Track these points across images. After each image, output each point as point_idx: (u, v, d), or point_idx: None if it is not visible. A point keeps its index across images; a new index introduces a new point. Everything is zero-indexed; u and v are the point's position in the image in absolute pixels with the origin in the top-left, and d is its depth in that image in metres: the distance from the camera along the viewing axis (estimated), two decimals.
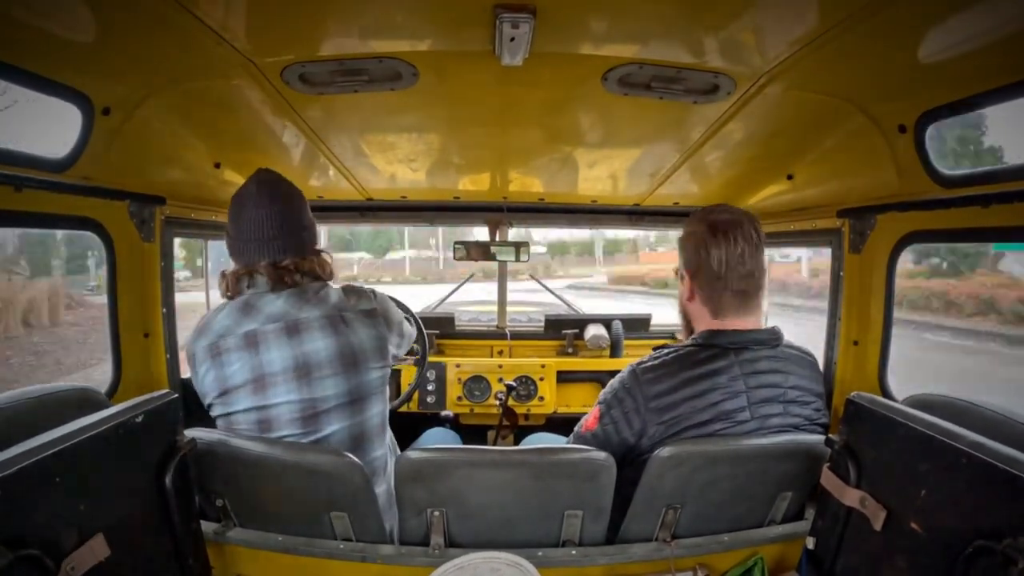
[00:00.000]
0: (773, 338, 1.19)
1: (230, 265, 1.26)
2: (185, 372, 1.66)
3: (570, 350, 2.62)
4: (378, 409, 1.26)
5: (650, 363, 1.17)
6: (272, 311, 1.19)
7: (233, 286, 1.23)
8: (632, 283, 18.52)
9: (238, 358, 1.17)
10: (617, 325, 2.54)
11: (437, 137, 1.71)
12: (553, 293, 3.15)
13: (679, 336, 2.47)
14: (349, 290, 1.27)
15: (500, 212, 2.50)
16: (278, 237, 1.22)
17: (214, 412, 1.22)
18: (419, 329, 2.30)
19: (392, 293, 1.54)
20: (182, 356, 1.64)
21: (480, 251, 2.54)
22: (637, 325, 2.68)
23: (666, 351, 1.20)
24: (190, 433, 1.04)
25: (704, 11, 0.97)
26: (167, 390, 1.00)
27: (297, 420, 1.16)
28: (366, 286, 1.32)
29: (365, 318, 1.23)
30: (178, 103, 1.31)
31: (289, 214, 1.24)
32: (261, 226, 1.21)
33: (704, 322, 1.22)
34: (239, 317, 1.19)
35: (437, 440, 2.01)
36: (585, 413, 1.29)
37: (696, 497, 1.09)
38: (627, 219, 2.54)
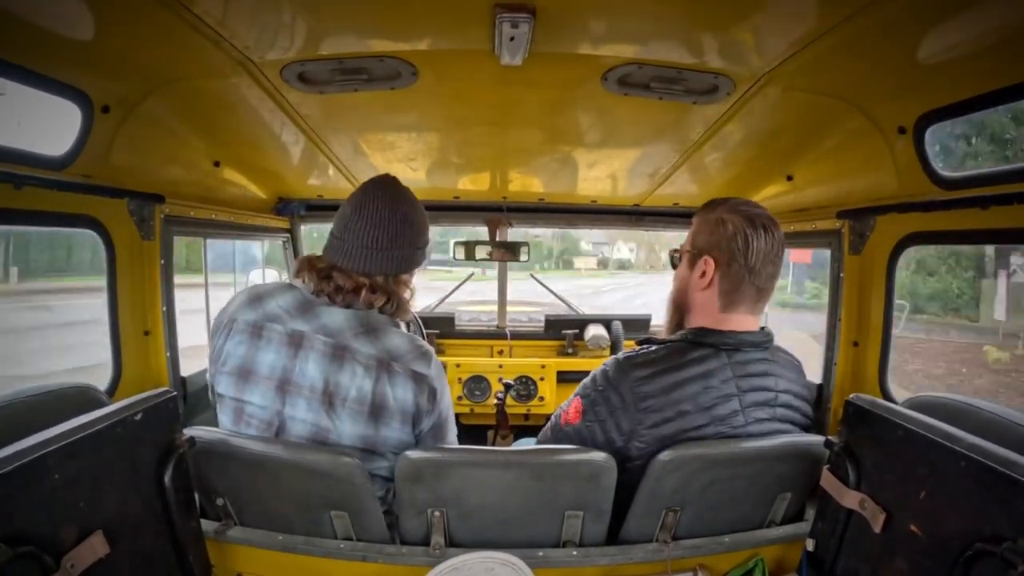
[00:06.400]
0: (765, 340, 1.16)
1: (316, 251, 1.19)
2: (185, 371, 1.66)
3: (570, 350, 2.62)
4: (388, 464, 1.15)
5: (639, 359, 1.11)
6: (329, 323, 1.12)
7: (309, 277, 1.16)
8: None
9: (275, 350, 1.11)
10: (617, 325, 2.54)
11: (436, 136, 1.71)
12: (554, 293, 3.14)
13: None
14: (415, 342, 1.16)
15: (500, 212, 2.50)
16: (384, 248, 1.14)
17: (221, 387, 1.14)
18: (419, 328, 2.30)
19: None
20: (182, 354, 1.63)
21: (479, 251, 2.54)
22: (637, 325, 2.68)
23: (654, 348, 1.14)
24: (189, 431, 1.03)
25: (703, 12, 0.97)
26: (166, 388, 1.00)
27: (305, 439, 1.11)
28: (431, 349, 1.19)
29: (411, 380, 1.12)
30: (177, 101, 1.31)
31: (403, 232, 1.15)
32: (369, 235, 1.13)
33: (704, 315, 1.17)
34: (296, 312, 1.13)
35: None
36: None
37: (696, 499, 1.09)
38: (627, 219, 2.55)
